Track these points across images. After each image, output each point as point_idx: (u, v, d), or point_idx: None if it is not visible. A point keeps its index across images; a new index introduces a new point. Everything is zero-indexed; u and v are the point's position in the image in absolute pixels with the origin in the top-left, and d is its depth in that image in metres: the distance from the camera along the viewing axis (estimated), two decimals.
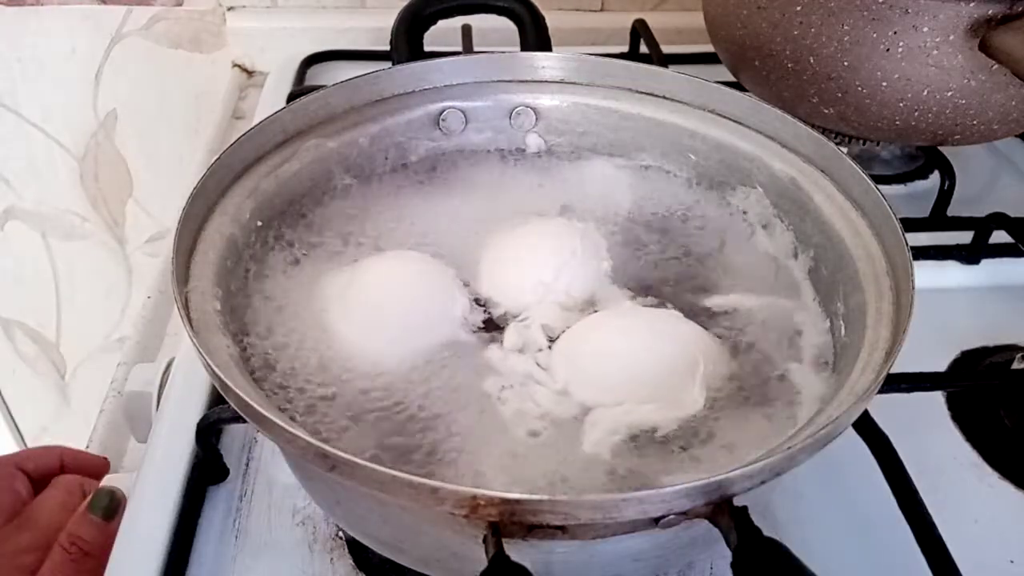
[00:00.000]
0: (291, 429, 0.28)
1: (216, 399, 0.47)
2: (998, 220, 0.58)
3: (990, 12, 0.50)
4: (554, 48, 0.66)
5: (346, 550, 0.41)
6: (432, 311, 0.40)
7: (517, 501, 0.26)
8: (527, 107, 0.49)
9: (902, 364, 0.34)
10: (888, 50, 0.52)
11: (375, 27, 0.84)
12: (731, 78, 0.64)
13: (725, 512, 0.28)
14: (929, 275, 0.57)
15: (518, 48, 0.66)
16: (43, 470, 0.50)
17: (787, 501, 0.43)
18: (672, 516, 0.27)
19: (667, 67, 0.53)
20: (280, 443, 0.30)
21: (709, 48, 0.66)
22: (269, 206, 0.42)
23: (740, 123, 0.45)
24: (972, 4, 0.50)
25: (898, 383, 0.46)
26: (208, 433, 0.43)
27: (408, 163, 0.48)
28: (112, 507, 0.44)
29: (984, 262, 0.58)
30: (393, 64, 0.60)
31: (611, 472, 0.34)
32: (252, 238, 0.41)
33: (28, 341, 1.03)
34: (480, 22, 0.72)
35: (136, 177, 0.96)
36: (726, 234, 0.45)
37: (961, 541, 0.39)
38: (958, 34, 0.51)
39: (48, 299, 1.01)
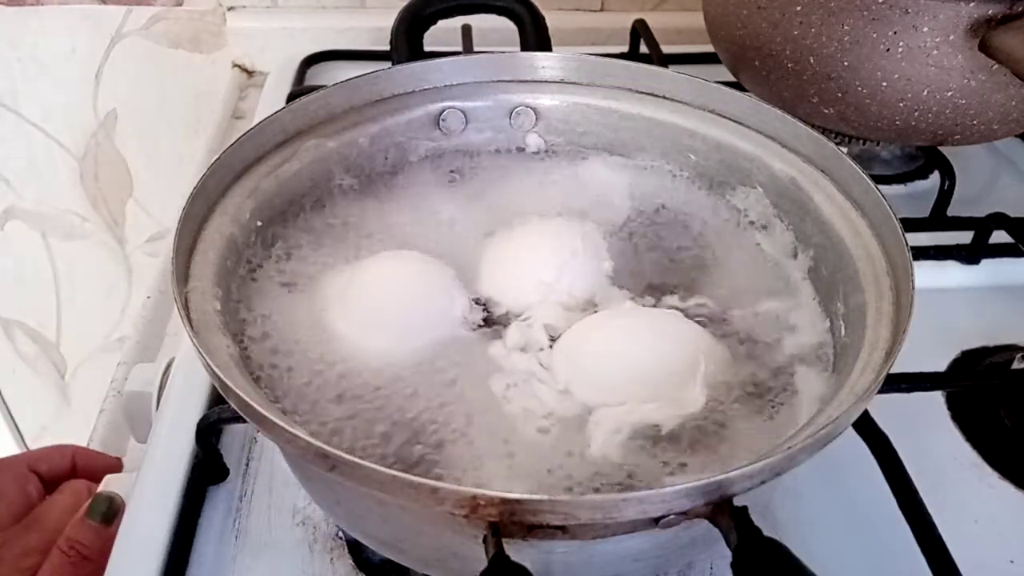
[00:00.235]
0: (291, 429, 0.28)
1: (216, 399, 0.47)
2: (998, 220, 0.58)
3: (990, 12, 0.50)
4: (554, 48, 0.66)
5: (346, 550, 0.41)
6: (432, 311, 0.40)
7: (517, 501, 0.26)
8: (527, 107, 0.49)
9: (902, 364, 0.34)
10: (888, 50, 0.52)
11: (375, 27, 0.84)
12: (731, 78, 0.64)
13: (725, 512, 0.28)
14: (929, 275, 0.57)
15: (518, 48, 0.66)
16: (56, 471, 0.51)
17: (787, 501, 0.43)
18: (672, 516, 0.27)
19: (667, 67, 0.53)
20: (280, 443, 0.30)
21: (709, 48, 0.66)
22: (269, 206, 0.42)
23: (740, 123, 0.45)
24: (972, 4, 0.50)
25: (898, 383, 0.46)
26: (208, 433, 0.43)
27: (408, 163, 0.48)
28: (110, 512, 0.45)
29: (984, 262, 0.58)
30: (393, 64, 0.60)
31: (614, 471, 0.34)
32: (252, 238, 0.41)
33: (28, 341, 1.03)
34: (480, 22, 0.72)
35: (136, 177, 0.96)
36: (726, 234, 0.45)
37: (961, 541, 0.39)
38: (958, 34, 0.51)
39: (48, 299, 1.01)
